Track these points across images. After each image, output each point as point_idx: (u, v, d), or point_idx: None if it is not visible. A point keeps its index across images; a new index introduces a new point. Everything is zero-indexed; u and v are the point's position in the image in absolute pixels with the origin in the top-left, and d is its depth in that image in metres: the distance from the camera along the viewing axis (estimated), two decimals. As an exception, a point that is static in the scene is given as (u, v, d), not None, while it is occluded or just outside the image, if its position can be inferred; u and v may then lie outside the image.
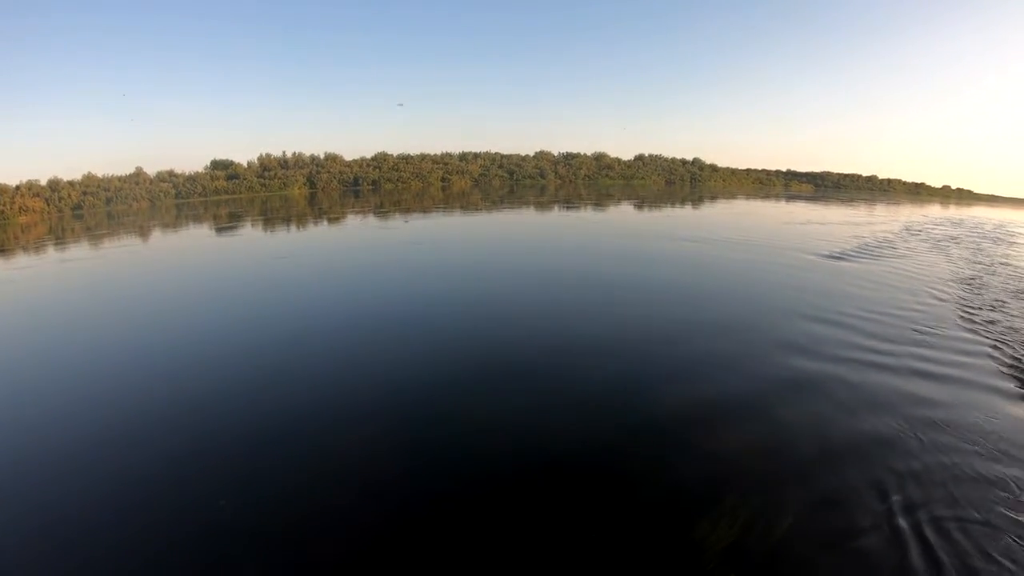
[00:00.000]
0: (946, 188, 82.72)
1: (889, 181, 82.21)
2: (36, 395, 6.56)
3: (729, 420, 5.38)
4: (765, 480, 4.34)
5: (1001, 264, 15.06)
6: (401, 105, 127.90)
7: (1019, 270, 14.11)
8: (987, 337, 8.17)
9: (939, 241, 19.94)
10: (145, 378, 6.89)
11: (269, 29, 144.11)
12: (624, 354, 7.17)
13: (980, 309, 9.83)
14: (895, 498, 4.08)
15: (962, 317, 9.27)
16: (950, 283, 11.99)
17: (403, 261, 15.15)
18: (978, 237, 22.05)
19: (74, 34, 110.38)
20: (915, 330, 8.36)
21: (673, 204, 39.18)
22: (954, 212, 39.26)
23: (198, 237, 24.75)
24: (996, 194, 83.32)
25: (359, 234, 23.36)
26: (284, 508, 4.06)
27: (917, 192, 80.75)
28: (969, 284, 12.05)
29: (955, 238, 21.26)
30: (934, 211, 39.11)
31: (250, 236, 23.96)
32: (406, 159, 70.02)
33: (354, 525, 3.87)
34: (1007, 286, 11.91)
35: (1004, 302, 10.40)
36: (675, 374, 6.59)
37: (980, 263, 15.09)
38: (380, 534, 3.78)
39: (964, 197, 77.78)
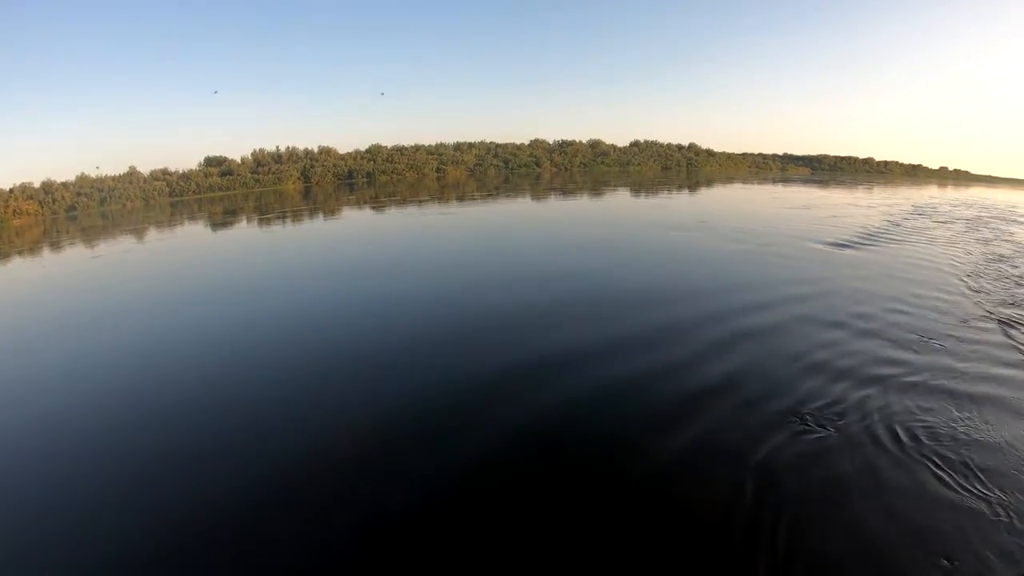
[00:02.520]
0: (943, 169, 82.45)
1: (886, 163, 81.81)
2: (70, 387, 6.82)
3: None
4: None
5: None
6: (383, 94, 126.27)
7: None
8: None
9: (950, 224, 18.48)
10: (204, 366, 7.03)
11: (260, 25, 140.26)
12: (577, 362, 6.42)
13: (1012, 305, 8.40)
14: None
15: (990, 315, 7.89)
16: (969, 273, 10.70)
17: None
18: (990, 219, 20.58)
19: (62, 35, 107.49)
20: (938, 332, 7.07)
21: (669, 190, 38.59)
22: (955, 193, 38.10)
23: (232, 234, 23.93)
24: (993, 175, 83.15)
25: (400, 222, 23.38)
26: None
27: (914, 174, 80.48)
28: (992, 274, 10.67)
29: (966, 220, 19.74)
30: (934, 192, 38.26)
31: (290, 229, 23.02)
32: (400, 150, 69.55)
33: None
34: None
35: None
36: (627, 402, 5.55)
37: (1001, 249, 13.62)
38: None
39: (961, 178, 77.62)
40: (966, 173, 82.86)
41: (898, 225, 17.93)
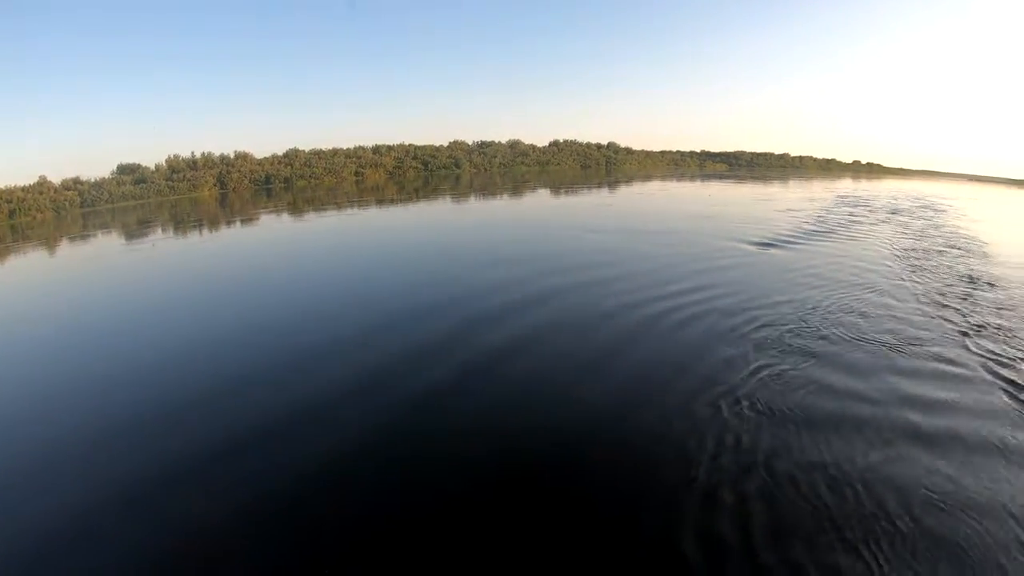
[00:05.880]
0: (856, 163, 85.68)
1: (801, 158, 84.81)
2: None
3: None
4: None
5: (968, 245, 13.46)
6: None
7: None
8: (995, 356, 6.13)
9: (883, 217, 18.59)
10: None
11: (175, 28, 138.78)
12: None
13: (976, 315, 7.55)
14: None
15: (950, 323, 7.21)
16: (908, 272, 10.14)
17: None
18: (919, 209, 21.01)
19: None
20: (897, 350, 6.33)
21: (588, 188, 39.40)
22: (871, 186, 39.22)
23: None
24: (905, 167, 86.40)
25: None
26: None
27: (828, 168, 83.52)
28: (932, 270, 10.21)
29: (894, 212, 19.83)
30: (852, 185, 39.60)
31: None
32: (318, 154, 71.46)
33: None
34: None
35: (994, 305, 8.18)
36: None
37: (935, 242, 13.51)
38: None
39: (875, 171, 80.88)
40: (879, 166, 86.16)
41: (857, 217, 18.21)
